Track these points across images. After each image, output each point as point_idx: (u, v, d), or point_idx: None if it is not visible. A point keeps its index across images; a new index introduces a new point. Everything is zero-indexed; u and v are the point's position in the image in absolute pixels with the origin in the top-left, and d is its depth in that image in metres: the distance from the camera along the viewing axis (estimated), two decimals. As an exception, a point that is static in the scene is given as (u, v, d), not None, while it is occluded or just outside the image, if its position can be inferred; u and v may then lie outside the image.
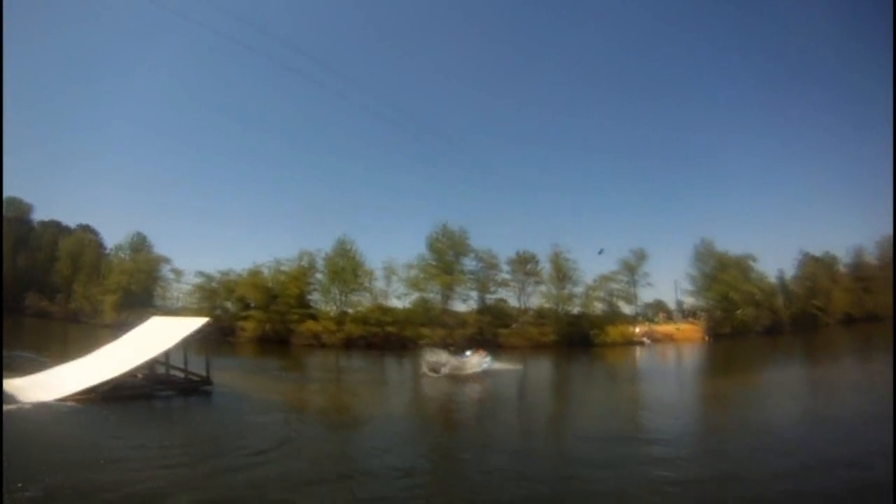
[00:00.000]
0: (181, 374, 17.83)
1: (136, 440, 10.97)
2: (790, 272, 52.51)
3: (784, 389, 20.32)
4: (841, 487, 8.44)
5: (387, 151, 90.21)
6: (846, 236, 68.70)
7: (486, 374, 26.75)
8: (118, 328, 30.41)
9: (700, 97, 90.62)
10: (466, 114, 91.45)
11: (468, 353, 31.20)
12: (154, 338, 17.88)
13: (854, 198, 77.33)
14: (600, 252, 48.43)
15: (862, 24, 75.78)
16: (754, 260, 49.74)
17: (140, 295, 51.36)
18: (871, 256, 55.73)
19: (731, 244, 50.78)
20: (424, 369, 26.17)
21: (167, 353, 17.31)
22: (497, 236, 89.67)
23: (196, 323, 18.60)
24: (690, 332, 48.82)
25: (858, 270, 54.22)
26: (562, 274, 46.53)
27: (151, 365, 17.05)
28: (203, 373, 18.10)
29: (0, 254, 47.03)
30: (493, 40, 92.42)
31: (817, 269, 52.09)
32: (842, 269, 54.40)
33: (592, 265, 63.97)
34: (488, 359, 31.69)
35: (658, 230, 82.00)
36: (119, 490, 7.75)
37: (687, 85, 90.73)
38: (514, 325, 45.69)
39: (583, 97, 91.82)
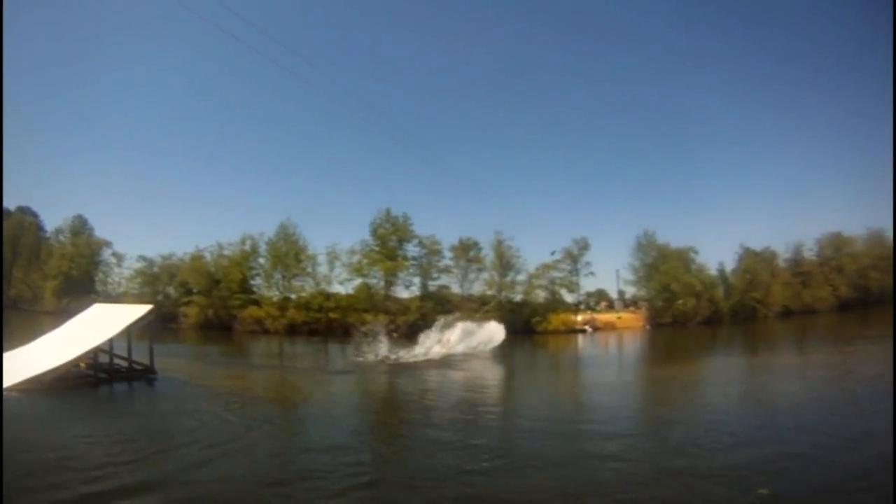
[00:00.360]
0: (125, 363, 17.59)
1: (83, 433, 10.65)
2: (730, 265, 53.92)
3: (721, 375, 20.87)
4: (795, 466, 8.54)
5: (332, 133, 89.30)
6: (786, 232, 70.60)
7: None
8: (59, 315, 29.76)
9: (652, 85, 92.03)
10: (415, 100, 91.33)
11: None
12: (97, 325, 17.60)
13: (795, 195, 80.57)
14: (552, 253, 49.17)
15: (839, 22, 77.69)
16: (695, 252, 51.08)
17: (81, 280, 50.30)
18: (811, 253, 57.66)
19: (672, 236, 52.08)
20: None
21: (111, 342, 17.07)
22: (440, 223, 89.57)
23: (139, 310, 18.39)
24: (631, 320, 49.74)
25: (797, 266, 55.85)
26: (504, 261, 47.04)
27: (95, 353, 16.72)
28: (146, 361, 17.89)
29: (0, 254, 45.80)
30: (446, 27, 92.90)
31: (757, 262, 53.52)
32: (781, 263, 55.99)
33: (536, 253, 64.35)
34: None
35: (601, 220, 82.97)
36: (71, 489, 7.37)
37: (638, 73, 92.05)
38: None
39: (533, 86, 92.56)
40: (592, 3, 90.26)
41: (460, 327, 29.53)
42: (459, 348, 27.57)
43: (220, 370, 22.48)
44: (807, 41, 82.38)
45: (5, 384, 13.66)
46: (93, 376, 16.45)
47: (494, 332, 29.52)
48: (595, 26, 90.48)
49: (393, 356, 25.42)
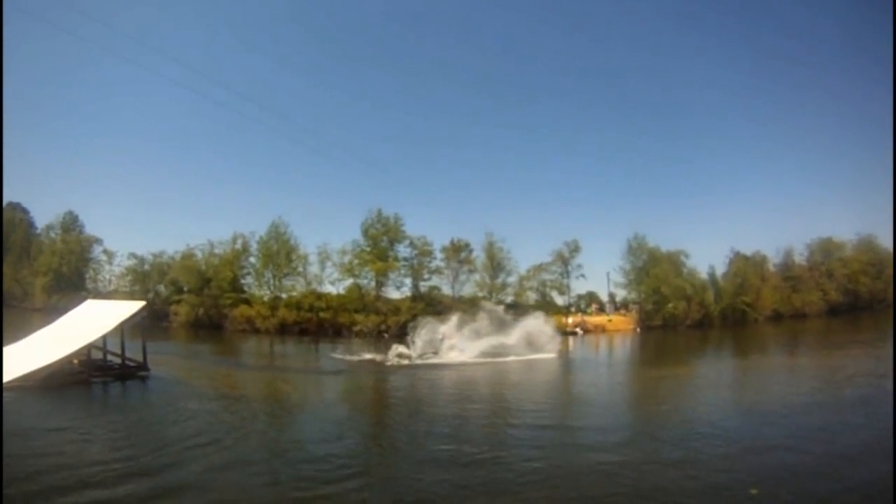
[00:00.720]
0: (118, 360, 17.52)
1: (80, 433, 10.58)
2: (721, 269, 54.10)
3: (712, 378, 20.97)
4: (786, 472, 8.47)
5: (324, 133, 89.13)
6: (777, 237, 70.79)
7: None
8: (49, 312, 29.63)
9: (646, 88, 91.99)
10: (408, 98, 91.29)
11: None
12: (90, 322, 17.51)
13: (786, 200, 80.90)
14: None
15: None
16: (686, 255, 51.26)
17: (71, 277, 50.14)
18: (801, 257, 58.02)
19: (663, 239, 52.16)
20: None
21: (104, 339, 17.02)
22: (432, 223, 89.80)
23: (133, 307, 18.34)
24: (622, 323, 49.90)
25: (787, 270, 56.17)
26: (495, 263, 47.10)
27: (88, 350, 16.69)
28: (138, 358, 17.85)
29: (0, 252, 45.58)
30: (437, 22, 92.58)
31: (747, 266, 53.75)
32: (771, 268, 56.27)
33: (527, 255, 64.32)
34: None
35: (592, 223, 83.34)
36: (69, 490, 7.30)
37: (632, 74, 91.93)
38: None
39: (524, 86, 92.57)
40: None
41: (486, 315, 26.76)
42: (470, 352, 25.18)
43: (212, 369, 22.50)
44: (804, 45, 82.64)
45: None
46: (86, 373, 16.41)
47: (540, 333, 27.08)
48: (590, 23, 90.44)
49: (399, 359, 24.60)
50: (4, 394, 13.02)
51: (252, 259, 47.50)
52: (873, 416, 11.98)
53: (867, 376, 18.36)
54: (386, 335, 42.62)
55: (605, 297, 55.75)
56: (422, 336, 27.42)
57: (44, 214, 57.09)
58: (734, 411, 13.99)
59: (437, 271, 48.07)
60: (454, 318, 27.91)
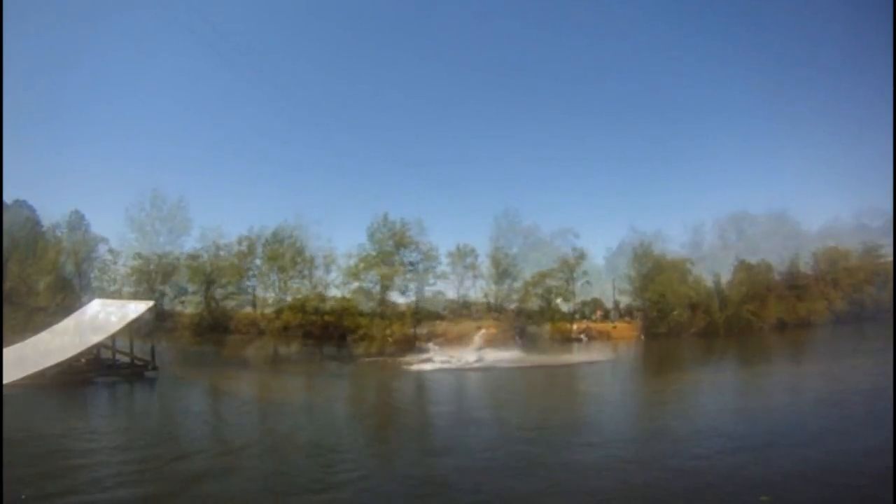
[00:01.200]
0: (126, 358, 17.85)
1: (93, 437, 10.69)
2: (726, 277, 53.87)
3: (719, 385, 21.09)
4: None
5: (334, 136, 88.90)
6: (782, 245, 70.03)
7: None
8: (54, 310, 29.83)
9: (652, 92, 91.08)
10: (416, 106, 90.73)
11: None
12: (99, 321, 17.93)
13: (791, 208, 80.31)
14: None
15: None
16: (692, 263, 51.10)
17: (76, 276, 50.23)
18: (807, 266, 57.83)
19: (668, 247, 52.08)
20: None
21: (113, 337, 17.38)
22: (438, 229, 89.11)
23: (141, 307, 18.69)
24: (626, 330, 49.85)
25: (792, 279, 56.05)
26: (500, 269, 47.10)
27: (97, 349, 16.98)
28: (145, 357, 18.34)
29: (0, 252, 45.69)
30: (434, 31, 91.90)
31: (752, 275, 53.64)
32: (776, 276, 56.09)
33: (532, 261, 64.33)
34: None
35: (598, 229, 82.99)
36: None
37: (637, 77, 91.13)
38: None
39: (527, 93, 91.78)
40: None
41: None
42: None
43: (218, 370, 22.73)
44: (809, 50, 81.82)
45: (9, 379, 13.57)
46: (94, 372, 16.55)
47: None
48: (589, 27, 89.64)
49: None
50: (17, 392, 13.05)
51: (258, 261, 47.63)
52: (883, 424, 11.99)
53: (875, 382, 18.40)
54: (390, 339, 42.85)
55: (609, 304, 55.68)
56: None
57: (50, 213, 57.03)
58: (743, 418, 14.03)
59: (443, 276, 48.23)
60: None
